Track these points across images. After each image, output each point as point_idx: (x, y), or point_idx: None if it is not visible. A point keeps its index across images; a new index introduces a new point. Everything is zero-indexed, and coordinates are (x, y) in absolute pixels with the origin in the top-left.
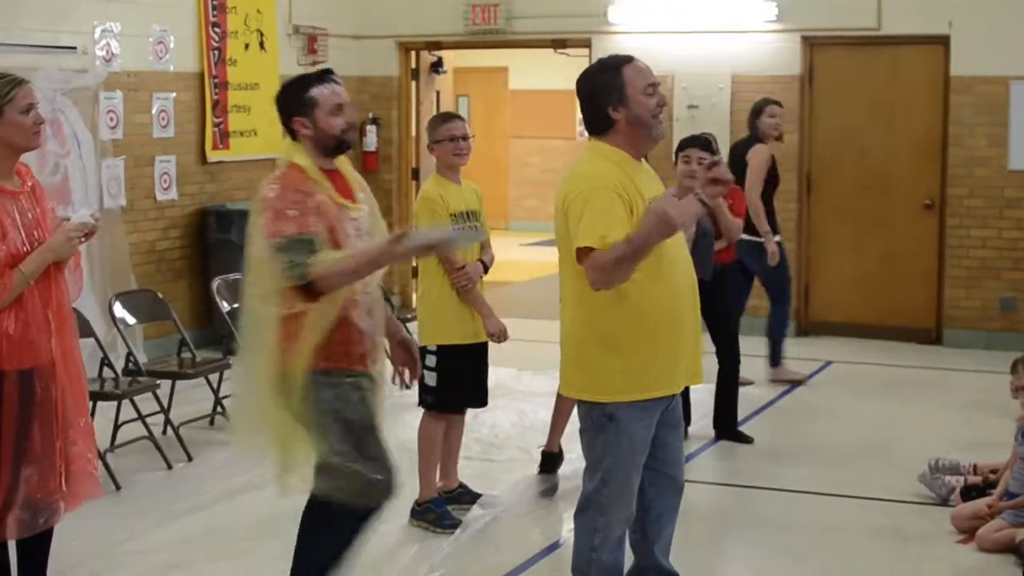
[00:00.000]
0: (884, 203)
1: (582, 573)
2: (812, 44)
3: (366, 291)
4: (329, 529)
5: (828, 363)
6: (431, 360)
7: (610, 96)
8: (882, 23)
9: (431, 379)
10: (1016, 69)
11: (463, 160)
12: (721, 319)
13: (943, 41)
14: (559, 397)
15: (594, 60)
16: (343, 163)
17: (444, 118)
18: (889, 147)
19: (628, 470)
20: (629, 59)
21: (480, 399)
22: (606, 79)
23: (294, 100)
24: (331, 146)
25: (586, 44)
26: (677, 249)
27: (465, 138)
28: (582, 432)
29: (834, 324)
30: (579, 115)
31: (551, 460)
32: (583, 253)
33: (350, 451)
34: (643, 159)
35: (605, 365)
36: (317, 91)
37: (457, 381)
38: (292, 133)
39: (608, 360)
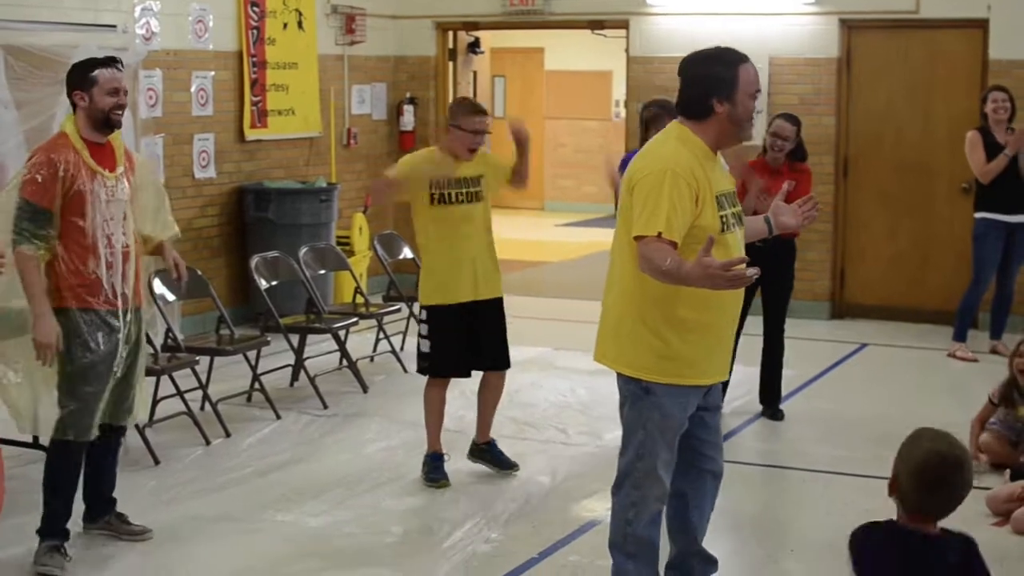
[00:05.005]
0: (921, 186)
1: (618, 548)
2: (850, 27)
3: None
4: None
5: (863, 345)
6: (423, 328)
7: (720, 89)
8: (920, 6)
9: (424, 345)
10: None
11: (471, 156)
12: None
13: (982, 25)
14: None
15: (633, 42)
16: (115, 138)
17: (472, 109)
18: (926, 131)
19: (662, 445)
20: (745, 58)
21: (492, 360)
22: (721, 71)
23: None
24: (100, 120)
25: (623, 25)
26: (733, 245)
27: (484, 134)
28: (620, 404)
29: (870, 307)
30: (615, 96)
31: None
32: (639, 237)
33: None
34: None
35: (644, 343)
36: (99, 72)
37: (446, 345)
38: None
39: (648, 339)
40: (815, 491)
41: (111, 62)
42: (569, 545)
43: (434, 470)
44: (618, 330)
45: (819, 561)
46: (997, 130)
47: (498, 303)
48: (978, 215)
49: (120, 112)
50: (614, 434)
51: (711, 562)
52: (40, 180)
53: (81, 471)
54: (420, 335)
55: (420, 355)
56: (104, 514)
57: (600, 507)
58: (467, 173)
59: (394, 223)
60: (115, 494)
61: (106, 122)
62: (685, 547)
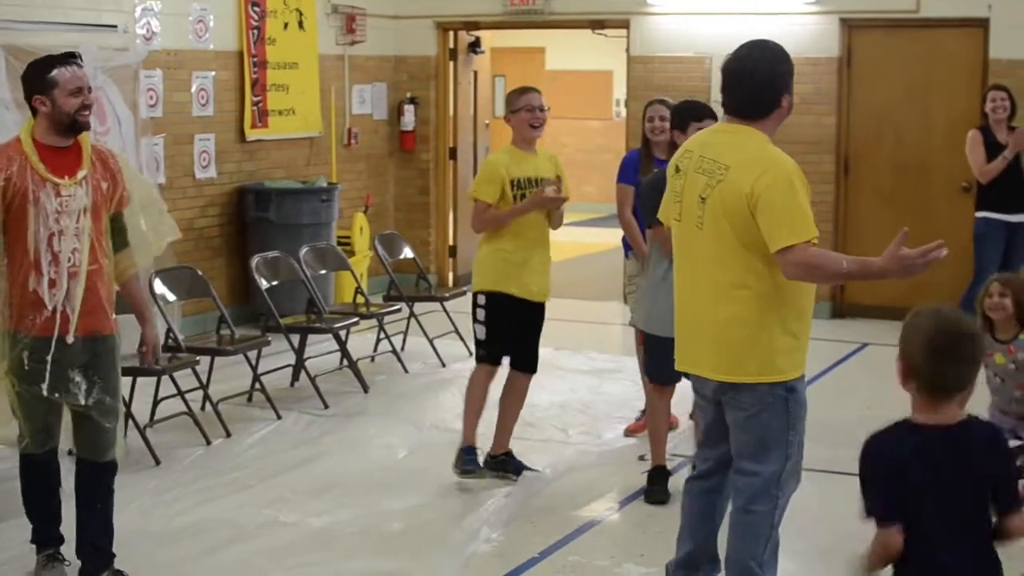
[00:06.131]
0: (921, 186)
1: (756, 560)
2: (851, 26)
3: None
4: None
5: (864, 345)
6: (480, 313)
7: (787, 84)
8: (921, 6)
9: (480, 332)
10: None
11: (538, 132)
12: None
13: (982, 24)
14: (664, 408)
15: (633, 41)
16: (83, 139)
17: (523, 90)
18: (926, 130)
19: (803, 438)
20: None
21: (525, 359)
22: (789, 67)
23: (36, 79)
24: (66, 124)
25: (624, 25)
26: None
27: (542, 109)
28: (752, 417)
29: (871, 307)
30: (616, 95)
31: (662, 474)
32: (788, 247)
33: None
34: None
35: (784, 345)
36: (58, 72)
37: (502, 331)
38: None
39: (787, 340)
40: (814, 491)
41: (70, 59)
42: (569, 545)
43: (469, 462)
44: (756, 343)
45: (819, 561)
46: (998, 129)
47: (543, 309)
48: (979, 214)
49: (87, 113)
50: (614, 433)
51: (716, 561)
52: None
53: (51, 480)
54: (476, 320)
55: (476, 342)
56: (101, 570)
57: (600, 507)
58: (546, 175)
59: (395, 223)
60: (115, 503)
61: (72, 125)
62: (703, 542)
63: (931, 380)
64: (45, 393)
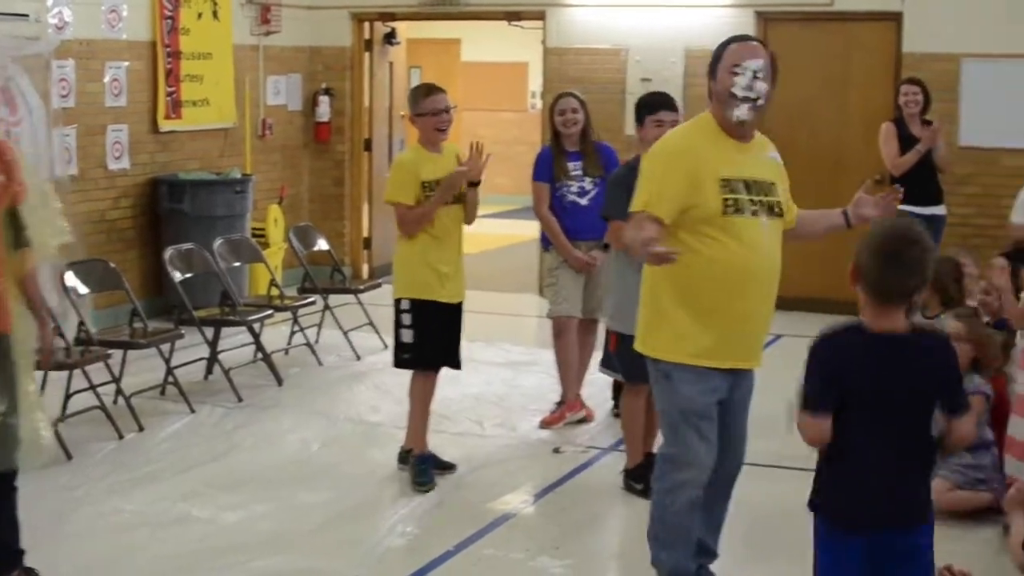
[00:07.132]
0: (835, 178)
1: (653, 537)
2: (766, 19)
3: None
4: None
5: (778, 337)
6: (406, 318)
7: (711, 68)
8: None
9: (407, 335)
10: (967, 46)
11: (444, 136)
12: None
13: (896, 18)
14: (641, 406)
15: (549, 33)
16: None
17: (427, 91)
18: (841, 123)
19: (687, 430)
20: (740, 39)
21: (454, 360)
22: (716, 51)
23: None
24: None
25: (540, 16)
26: (753, 232)
27: (447, 111)
28: (652, 391)
29: (784, 299)
30: (531, 87)
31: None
32: (630, 215)
33: None
34: (751, 138)
35: (657, 324)
36: None
37: (432, 334)
38: None
39: (659, 320)
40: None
41: None
42: (483, 538)
43: (423, 473)
44: (642, 313)
45: (740, 550)
46: (911, 123)
47: (461, 307)
48: (936, 210)
49: None
50: (529, 425)
51: (708, 553)
52: None
53: None
54: (402, 325)
55: (400, 346)
56: (11, 568)
57: (515, 500)
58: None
59: (310, 215)
60: (21, 491)
61: None
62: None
63: (875, 284)
64: None
